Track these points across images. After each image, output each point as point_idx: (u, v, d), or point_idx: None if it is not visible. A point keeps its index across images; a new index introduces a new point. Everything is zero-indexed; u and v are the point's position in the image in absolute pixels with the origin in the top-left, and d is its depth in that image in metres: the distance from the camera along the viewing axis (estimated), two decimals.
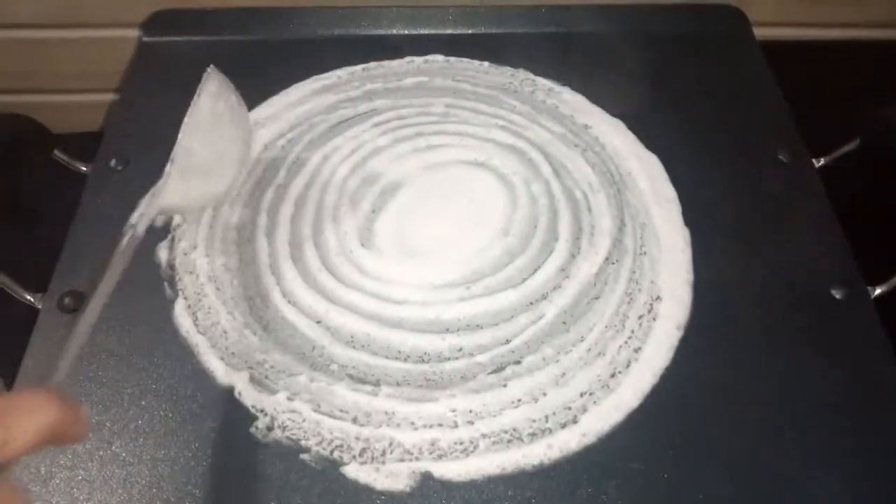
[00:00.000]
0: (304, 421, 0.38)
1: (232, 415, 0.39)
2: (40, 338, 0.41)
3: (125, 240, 0.31)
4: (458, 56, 0.57)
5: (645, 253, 0.46)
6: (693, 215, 0.48)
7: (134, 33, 0.59)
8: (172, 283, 0.44)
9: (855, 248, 0.46)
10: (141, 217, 0.33)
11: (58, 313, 0.42)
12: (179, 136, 0.34)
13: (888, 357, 0.42)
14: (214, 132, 0.36)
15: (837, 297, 0.44)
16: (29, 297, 0.43)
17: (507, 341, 0.41)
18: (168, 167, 0.34)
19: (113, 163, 0.50)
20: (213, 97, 0.36)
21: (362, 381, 0.40)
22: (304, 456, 0.37)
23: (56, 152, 0.50)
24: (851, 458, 0.38)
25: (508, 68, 0.56)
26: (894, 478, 0.38)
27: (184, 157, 0.34)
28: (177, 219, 0.47)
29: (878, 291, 0.44)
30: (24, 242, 0.50)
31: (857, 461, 0.38)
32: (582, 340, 0.42)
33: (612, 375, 0.40)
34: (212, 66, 0.37)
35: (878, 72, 0.62)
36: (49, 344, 0.41)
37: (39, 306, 0.43)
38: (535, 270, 0.44)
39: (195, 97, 0.35)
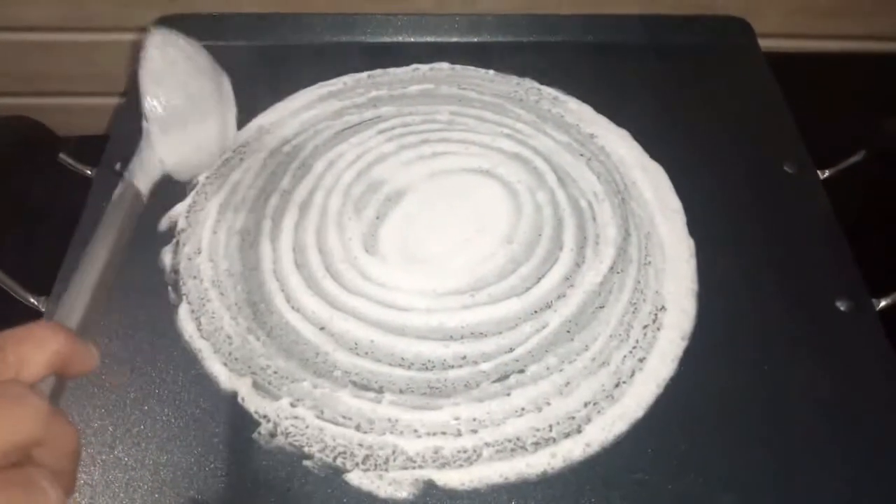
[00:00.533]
0: (307, 427, 0.38)
1: (235, 420, 0.39)
2: None
3: (116, 192, 0.32)
4: (463, 64, 0.57)
5: (650, 263, 0.46)
6: (698, 225, 0.48)
7: (140, 37, 0.60)
8: (176, 288, 0.44)
9: (860, 259, 0.46)
10: (132, 173, 0.33)
11: None
12: (141, 94, 0.35)
13: (893, 368, 0.41)
14: (173, 77, 0.36)
15: (842, 308, 0.44)
16: (32, 300, 0.43)
17: (511, 350, 0.41)
18: (143, 125, 0.35)
19: (118, 166, 0.50)
20: (159, 47, 0.36)
21: (366, 388, 0.40)
22: (307, 462, 0.37)
23: (61, 155, 0.50)
24: (857, 469, 0.38)
25: (514, 77, 0.57)
26: None
27: (154, 109, 0.35)
28: (181, 223, 0.47)
29: (882, 303, 0.44)
30: (27, 245, 0.50)
31: (863, 473, 0.38)
32: (586, 350, 0.41)
33: (617, 385, 0.40)
34: (153, 27, 0.38)
35: (884, 84, 0.62)
36: None
37: (42, 309, 0.43)
38: (540, 279, 0.44)
39: (142, 55, 0.35)
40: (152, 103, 0.35)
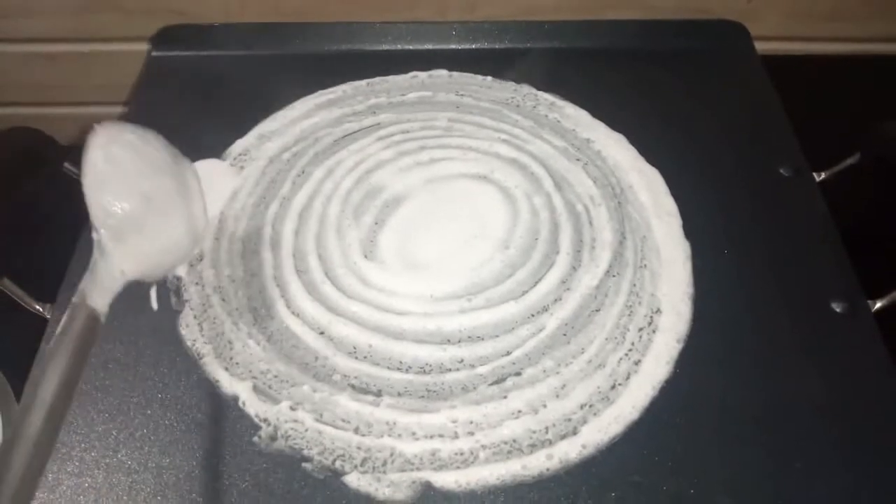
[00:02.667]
0: (306, 430, 0.39)
1: (235, 424, 0.39)
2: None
3: (62, 321, 0.28)
4: (461, 71, 0.58)
5: (645, 266, 0.46)
6: (694, 229, 0.48)
7: (143, 47, 0.61)
8: (179, 294, 0.45)
9: (855, 261, 0.46)
10: (84, 294, 0.29)
11: None
12: (85, 199, 0.31)
13: (888, 370, 0.42)
14: (120, 178, 0.32)
15: (838, 310, 0.44)
16: (38, 307, 0.44)
17: (508, 353, 0.42)
18: (94, 236, 0.31)
19: None
20: (102, 147, 0.33)
21: (364, 392, 0.40)
22: (307, 465, 0.38)
23: (66, 164, 0.51)
24: (852, 471, 0.38)
25: (511, 83, 0.57)
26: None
27: (103, 217, 0.31)
28: None
29: (878, 305, 0.44)
30: (33, 253, 0.51)
31: (858, 474, 0.38)
32: (582, 352, 0.42)
33: (612, 387, 0.40)
34: (97, 125, 0.34)
35: (880, 86, 0.62)
36: None
37: (48, 316, 0.43)
38: (536, 283, 0.45)
39: (84, 158, 0.32)
40: (99, 212, 0.31)
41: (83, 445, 0.38)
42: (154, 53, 0.60)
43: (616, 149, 0.52)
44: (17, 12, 0.59)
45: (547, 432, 0.39)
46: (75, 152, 0.51)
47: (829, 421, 0.40)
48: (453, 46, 0.60)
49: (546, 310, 0.44)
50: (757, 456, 0.38)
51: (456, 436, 0.38)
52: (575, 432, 0.39)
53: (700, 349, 0.42)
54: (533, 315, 0.43)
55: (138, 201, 0.33)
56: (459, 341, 0.42)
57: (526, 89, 0.57)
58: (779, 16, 0.63)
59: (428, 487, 0.37)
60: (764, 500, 0.37)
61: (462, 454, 0.38)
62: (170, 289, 0.45)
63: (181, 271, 0.45)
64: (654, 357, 0.42)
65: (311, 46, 0.60)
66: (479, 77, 0.58)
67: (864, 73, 0.64)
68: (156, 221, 0.33)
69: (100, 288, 0.30)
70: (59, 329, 0.28)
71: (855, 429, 0.39)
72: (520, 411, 0.39)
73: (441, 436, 0.38)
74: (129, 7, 0.59)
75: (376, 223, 0.48)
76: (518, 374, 0.41)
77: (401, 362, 0.41)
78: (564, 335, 0.43)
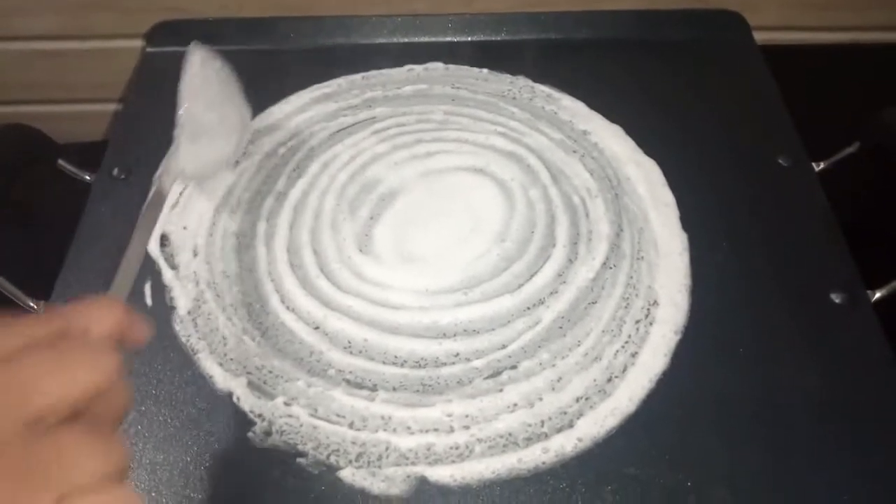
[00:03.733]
0: (301, 426, 0.39)
1: (230, 420, 0.39)
2: None
3: (151, 193, 0.35)
4: (457, 64, 0.58)
5: (642, 258, 0.46)
6: (691, 220, 0.48)
7: (137, 44, 0.60)
8: (173, 290, 0.44)
9: (855, 251, 0.46)
10: (161, 177, 0.37)
11: None
12: (180, 102, 0.37)
13: (888, 361, 0.41)
14: (209, 96, 0.38)
15: (837, 301, 0.44)
16: (32, 304, 0.44)
17: (504, 346, 0.41)
18: (176, 131, 0.37)
19: (116, 172, 0.50)
20: (200, 65, 0.38)
21: (359, 387, 0.40)
22: (301, 460, 0.38)
23: (60, 162, 0.51)
24: (850, 463, 0.38)
25: (507, 75, 0.57)
26: (894, 483, 0.37)
27: (189, 122, 0.37)
28: (179, 226, 0.47)
29: (877, 295, 0.44)
30: (28, 250, 0.51)
31: (857, 466, 0.38)
32: (578, 345, 0.42)
33: (609, 380, 0.40)
34: (193, 42, 0.39)
35: (879, 75, 0.61)
36: None
37: (42, 313, 0.43)
38: (533, 276, 0.45)
39: (184, 68, 0.38)
40: (188, 114, 0.37)
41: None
42: (149, 49, 0.59)
43: (613, 140, 0.52)
44: (11, 10, 0.59)
45: (543, 426, 0.38)
46: (70, 149, 0.52)
47: (828, 412, 0.39)
48: (449, 39, 0.60)
49: (542, 303, 0.43)
50: (755, 448, 0.38)
51: (451, 430, 0.38)
52: (571, 425, 0.38)
53: (698, 341, 0.42)
54: (529, 308, 0.43)
55: (218, 118, 0.39)
56: (455, 335, 0.42)
57: (522, 81, 0.56)
58: (777, 5, 0.62)
59: (423, 482, 0.37)
60: (762, 493, 0.37)
61: (457, 448, 0.38)
62: (164, 285, 0.45)
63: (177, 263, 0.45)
64: (651, 349, 0.41)
65: (307, 40, 0.59)
66: (475, 69, 0.57)
67: (864, 63, 0.63)
68: (221, 137, 0.39)
69: (169, 175, 0.36)
70: (148, 200, 0.36)
71: (854, 420, 0.39)
72: (515, 405, 0.39)
73: (436, 430, 0.38)
74: (126, 3, 0.59)
75: (372, 217, 0.48)
76: (514, 367, 0.41)
77: (396, 357, 0.41)
78: (560, 328, 0.42)
